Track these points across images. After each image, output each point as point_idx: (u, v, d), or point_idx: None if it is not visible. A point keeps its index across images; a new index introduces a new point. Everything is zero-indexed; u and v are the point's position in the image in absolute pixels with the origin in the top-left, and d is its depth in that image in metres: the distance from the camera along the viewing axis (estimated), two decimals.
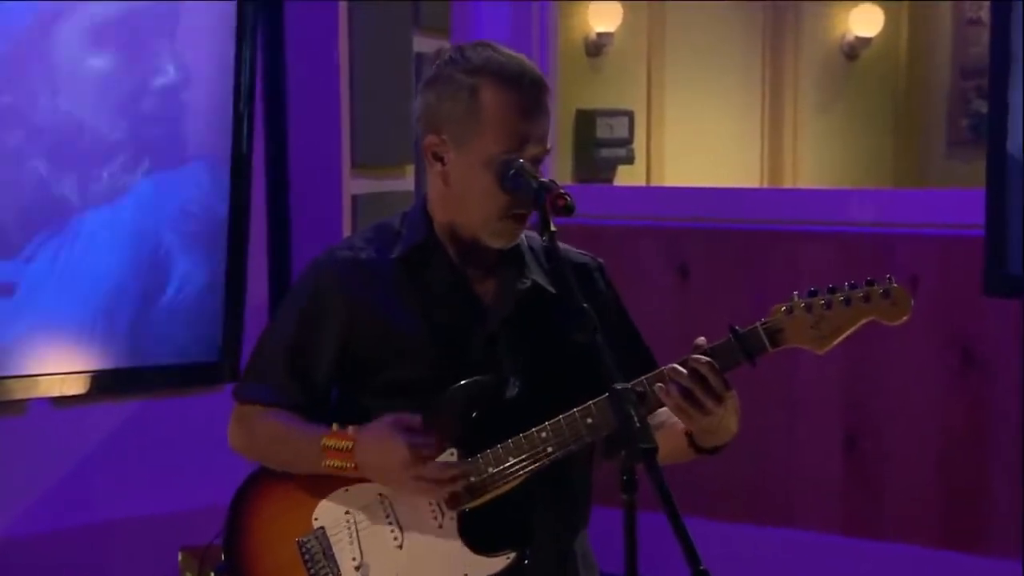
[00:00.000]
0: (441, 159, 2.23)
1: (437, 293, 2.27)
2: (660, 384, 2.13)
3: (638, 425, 1.91)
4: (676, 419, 2.20)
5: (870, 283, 2.12)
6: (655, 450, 1.90)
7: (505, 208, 2.19)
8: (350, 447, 2.22)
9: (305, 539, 2.30)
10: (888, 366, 4.56)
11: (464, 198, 2.22)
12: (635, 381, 2.13)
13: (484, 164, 2.18)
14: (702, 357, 2.12)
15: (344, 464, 2.22)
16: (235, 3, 4.27)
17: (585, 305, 2.01)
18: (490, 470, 2.20)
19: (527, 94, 2.19)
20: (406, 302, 2.26)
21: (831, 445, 4.73)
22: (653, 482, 1.89)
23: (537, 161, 2.20)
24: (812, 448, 4.76)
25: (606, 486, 2.25)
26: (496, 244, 2.24)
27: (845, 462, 4.71)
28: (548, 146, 2.22)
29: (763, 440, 4.72)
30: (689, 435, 2.21)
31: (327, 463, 2.24)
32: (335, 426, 2.25)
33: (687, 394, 2.12)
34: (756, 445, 4.68)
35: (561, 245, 2.29)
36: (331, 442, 2.23)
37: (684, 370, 2.12)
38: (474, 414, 2.21)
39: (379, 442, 2.19)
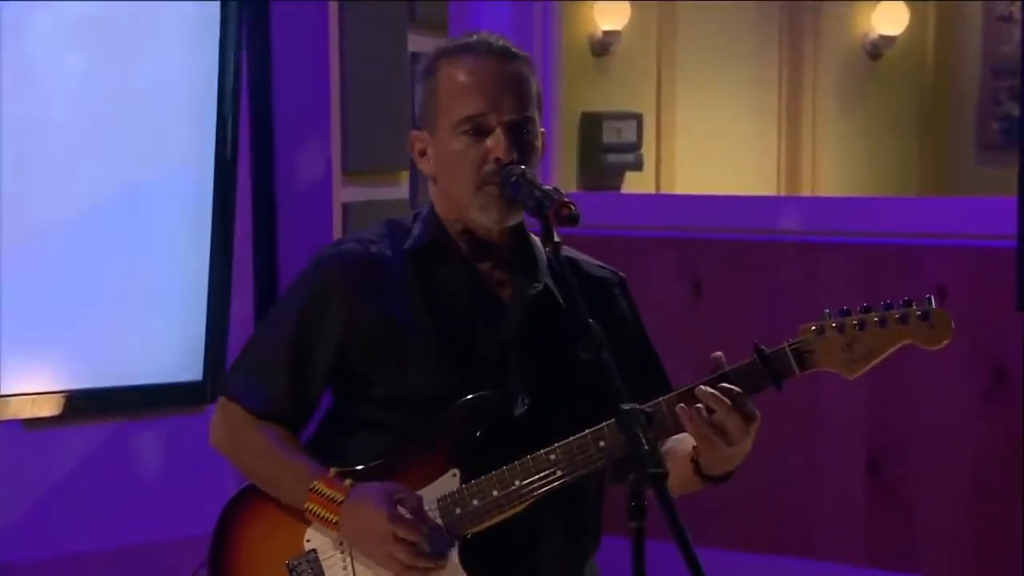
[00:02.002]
0: (424, 152, 2.30)
1: (451, 290, 2.29)
2: (682, 407, 2.14)
3: (646, 448, 1.92)
4: (679, 445, 2.21)
5: (907, 303, 2.11)
6: (665, 475, 1.90)
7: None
8: (340, 500, 2.23)
9: (296, 562, 2.30)
10: (915, 385, 4.56)
11: (447, 177, 2.27)
12: (652, 403, 2.14)
13: (451, 133, 2.24)
14: (733, 387, 2.12)
15: (327, 515, 2.23)
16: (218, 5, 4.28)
17: (591, 320, 2.01)
18: (494, 493, 2.21)
19: (478, 56, 2.25)
20: (416, 299, 2.28)
21: (854, 468, 4.72)
22: (663, 509, 1.89)
23: (515, 130, 2.22)
24: (834, 471, 4.76)
25: (613, 513, 2.25)
26: (487, 219, 2.25)
27: (869, 487, 4.70)
28: (530, 115, 2.24)
29: (781, 463, 4.72)
30: (694, 461, 2.21)
31: (308, 507, 2.25)
32: (333, 471, 2.26)
33: (712, 422, 2.12)
34: (774, 468, 4.67)
35: (581, 257, 2.33)
36: (322, 488, 2.24)
37: (712, 394, 2.12)
38: (479, 432, 2.22)
39: (365, 508, 2.20)
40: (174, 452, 4.37)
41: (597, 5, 6.48)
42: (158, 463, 4.42)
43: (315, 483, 2.25)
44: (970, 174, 7.64)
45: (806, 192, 7.25)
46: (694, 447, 2.21)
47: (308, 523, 2.29)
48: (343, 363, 2.30)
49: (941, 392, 4.56)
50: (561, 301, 2.26)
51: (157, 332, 4.30)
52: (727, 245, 4.97)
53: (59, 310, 4.12)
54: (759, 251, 4.90)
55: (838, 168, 7.43)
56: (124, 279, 4.24)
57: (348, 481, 2.24)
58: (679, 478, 2.21)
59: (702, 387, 2.13)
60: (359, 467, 2.27)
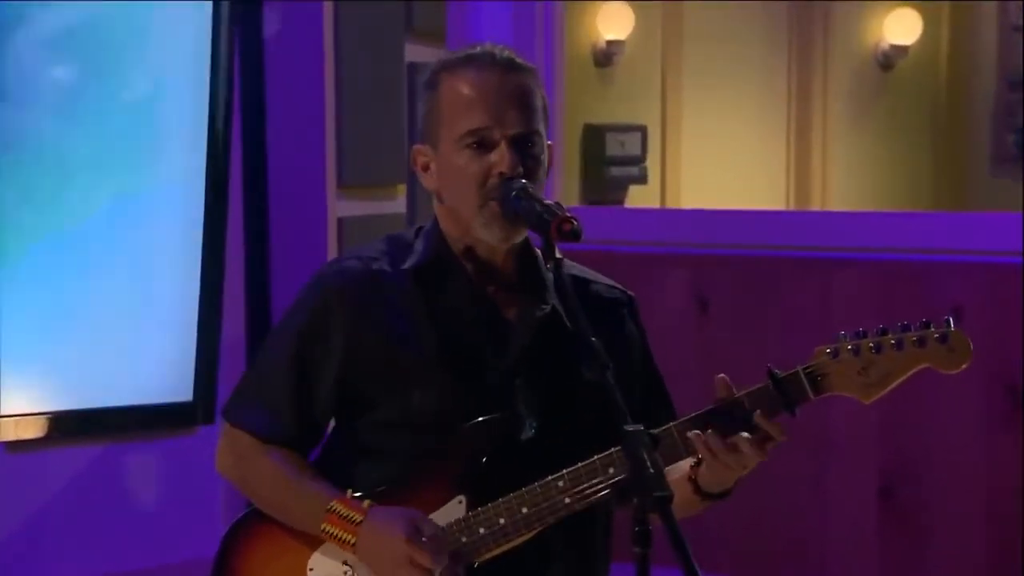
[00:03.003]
0: (427, 167, 2.31)
1: (456, 311, 2.29)
2: (697, 433, 2.15)
3: (651, 471, 1.92)
4: (677, 465, 2.21)
5: (925, 325, 2.11)
6: (670, 498, 1.91)
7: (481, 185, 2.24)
8: (359, 520, 2.24)
9: None
10: (928, 407, 4.55)
11: (450, 193, 2.28)
12: (662, 428, 2.15)
13: (454, 148, 2.25)
14: (755, 412, 2.14)
15: (345, 536, 2.24)
16: (210, 8, 4.29)
17: (594, 339, 2.02)
18: (501, 521, 2.21)
19: (482, 67, 2.26)
20: (420, 320, 2.29)
21: (866, 494, 4.72)
22: (669, 534, 1.89)
23: (520, 144, 2.23)
24: (844, 498, 4.76)
25: (617, 538, 2.25)
26: (491, 237, 2.26)
27: (881, 514, 4.70)
28: (536, 128, 2.25)
29: (790, 489, 4.71)
30: (692, 480, 2.22)
31: (326, 527, 2.26)
32: (350, 492, 2.27)
33: (733, 447, 2.14)
34: (782, 494, 4.67)
35: (591, 275, 2.33)
36: (341, 508, 2.25)
37: (731, 422, 2.14)
38: (485, 458, 2.22)
39: (384, 530, 2.22)
40: (163, 475, 4.37)
41: (600, 14, 6.49)
42: (147, 487, 4.42)
43: (333, 503, 2.26)
44: (985, 188, 7.65)
45: (816, 207, 7.25)
46: (691, 466, 2.22)
47: (312, 549, 2.30)
48: (346, 384, 2.31)
49: (955, 414, 4.55)
50: (566, 322, 2.27)
51: (145, 351, 4.30)
52: (735, 261, 4.97)
53: (44, 328, 4.12)
54: (768, 268, 4.90)
55: (849, 182, 7.43)
56: (111, 295, 4.24)
57: (367, 502, 2.25)
58: (678, 499, 2.21)
59: (730, 408, 2.15)
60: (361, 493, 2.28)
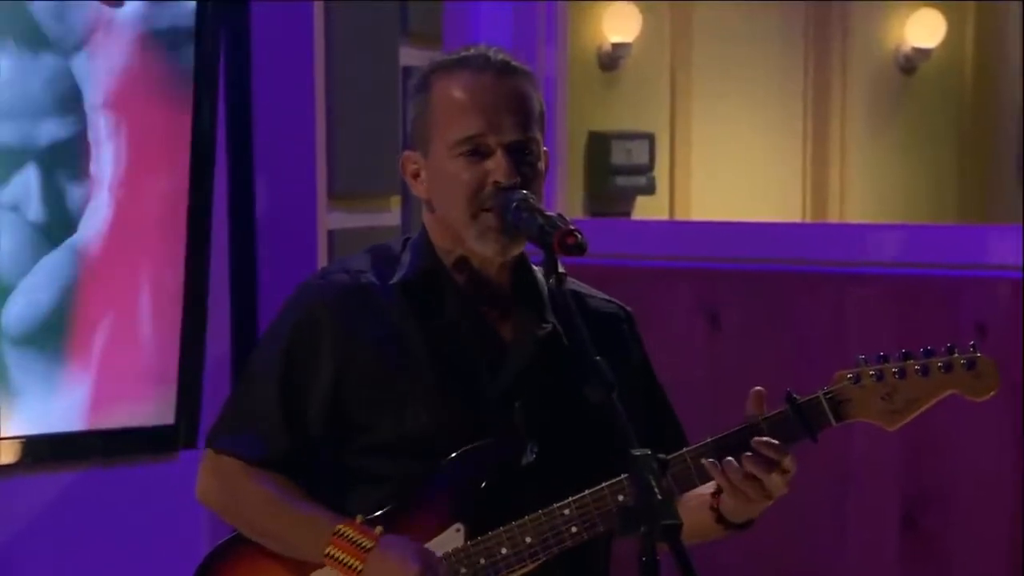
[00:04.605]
0: (418, 175, 2.31)
1: (449, 329, 2.29)
2: (712, 462, 2.16)
3: (659, 498, 1.93)
4: (694, 490, 2.22)
5: (950, 350, 2.14)
6: (679, 527, 1.91)
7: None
8: (369, 547, 2.23)
9: None
10: (953, 431, 4.56)
11: (441, 202, 2.28)
12: (675, 455, 2.16)
13: (446, 155, 2.25)
14: (772, 440, 2.15)
15: (351, 562, 2.23)
16: (194, 8, 4.30)
17: (599, 359, 2.02)
18: (503, 551, 2.21)
19: (476, 70, 2.26)
20: (412, 338, 2.28)
21: (887, 523, 4.72)
22: (678, 564, 1.90)
23: (516, 152, 2.23)
24: (865, 526, 4.76)
25: (623, 569, 2.26)
26: (486, 249, 2.26)
27: (903, 543, 4.70)
28: (532, 135, 2.26)
29: (808, 516, 4.71)
30: (714, 509, 2.23)
31: (331, 551, 2.25)
32: (360, 518, 2.26)
33: (752, 477, 2.14)
34: (800, 522, 4.67)
35: (585, 289, 2.33)
36: (350, 532, 2.24)
37: (754, 461, 2.15)
38: (484, 484, 2.22)
39: (395, 559, 2.21)
40: (143, 503, 4.36)
41: (606, 15, 6.51)
42: (125, 516, 4.41)
43: (340, 527, 2.25)
44: (1013, 199, 7.66)
45: (834, 218, 7.26)
46: (713, 493, 2.23)
47: None
48: (336, 405, 2.30)
49: (981, 438, 4.55)
50: (565, 340, 2.27)
51: (124, 371, 4.30)
52: (748, 277, 4.98)
53: (14, 346, 4.13)
54: (782, 283, 4.91)
55: (869, 192, 7.45)
56: (86, 311, 4.24)
57: (379, 528, 2.24)
58: (698, 526, 2.22)
59: (748, 455, 2.15)
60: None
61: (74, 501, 4.39)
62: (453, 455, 2.24)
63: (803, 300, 4.84)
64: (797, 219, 7.17)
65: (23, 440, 4.17)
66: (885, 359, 2.15)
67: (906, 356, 2.15)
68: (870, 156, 7.43)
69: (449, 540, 2.24)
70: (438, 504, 2.25)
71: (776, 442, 2.16)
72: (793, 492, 2.33)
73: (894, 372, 2.14)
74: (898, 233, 5.27)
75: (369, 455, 2.30)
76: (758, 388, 2.19)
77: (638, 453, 1.97)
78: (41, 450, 4.22)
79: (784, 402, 2.16)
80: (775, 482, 2.16)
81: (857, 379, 2.15)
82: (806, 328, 4.77)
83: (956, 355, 2.13)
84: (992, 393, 2.13)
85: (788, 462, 2.17)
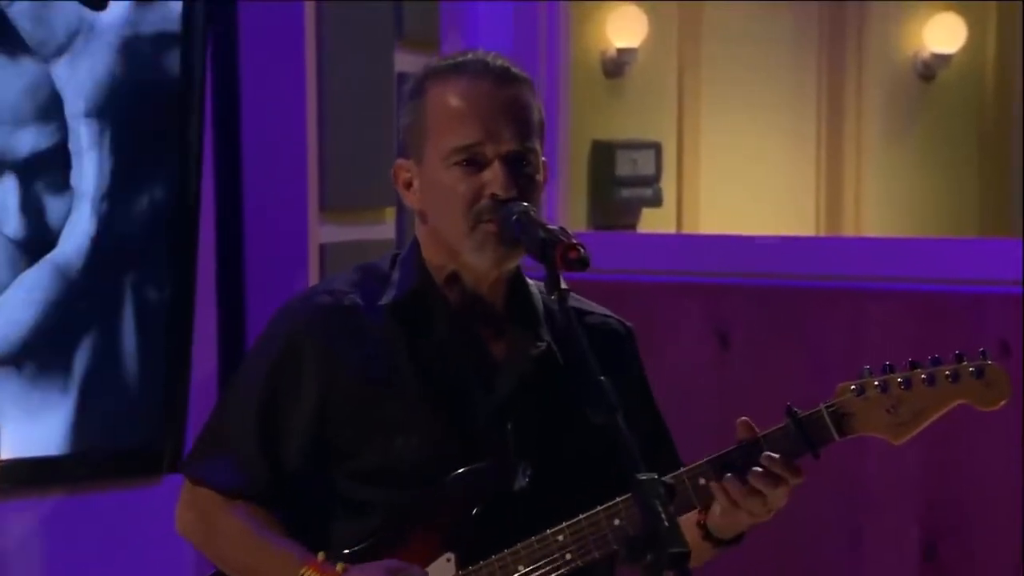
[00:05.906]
0: (410, 184, 2.31)
1: (439, 349, 2.29)
2: (713, 483, 2.16)
3: (666, 524, 1.92)
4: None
5: (959, 358, 2.13)
6: (688, 555, 1.91)
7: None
8: None
9: None
10: (975, 454, 4.55)
11: (435, 213, 2.29)
12: (672, 475, 2.17)
13: (441, 164, 2.25)
14: (774, 455, 2.15)
15: None
16: (179, 11, 4.30)
17: (602, 378, 2.02)
18: None
19: (473, 77, 2.27)
20: (400, 359, 2.29)
21: (907, 551, 4.72)
22: None
23: (514, 163, 2.24)
24: (883, 555, 4.75)
25: None
26: (482, 261, 2.26)
27: (924, 573, 4.70)
28: (531, 145, 2.26)
29: (823, 545, 4.71)
30: (701, 525, 2.23)
31: None
32: (321, 555, 2.26)
33: (756, 492, 2.15)
34: (814, 551, 4.66)
35: (586, 305, 2.33)
36: (311, 574, 2.24)
37: (762, 477, 2.15)
38: (475, 510, 2.22)
39: None
40: (126, 530, 4.36)
41: (610, 19, 6.52)
42: (107, 543, 4.41)
43: (303, 570, 2.25)
44: None
45: (849, 232, 7.27)
46: (699, 510, 2.23)
47: None
48: (320, 432, 2.30)
49: (1005, 461, 4.55)
50: (560, 359, 2.27)
51: (108, 392, 4.30)
52: (759, 292, 4.98)
53: None
54: (796, 299, 4.91)
55: (885, 204, 7.45)
56: (68, 330, 4.24)
57: (340, 565, 2.24)
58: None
59: (769, 454, 2.15)
60: (345, 552, 2.27)
61: (55, 527, 4.38)
62: (442, 481, 2.23)
63: (817, 317, 4.84)
64: (810, 231, 7.17)
65: (2, 464, 4.17)
66: (890, 369, 2.15)
67: (912, 366, 2.15)
68: (887, 166, 7.43)
69: (440, 570, 2.24)
70: (427, 533, 2.25)
71: (787, 458, 2.16)
72: (806, 519, 2.33)
73: (899, 382, 2.14)
74: (917, 247, 5.27)
75: (356, 482, 2.30)
76: (744, 418, 2.19)
77: (644, 478, 1.97)
78: (21, 474, 4.22)
79: (785, 416, 2.16)
80: (778, 495, 2.16)
81: (860, 391, 2.15)
82: (820, 347, 4.76)
83: (964, 363, 2.13)
84: (1003, 402, 2.13)
85: (795, 480, 2.18)
